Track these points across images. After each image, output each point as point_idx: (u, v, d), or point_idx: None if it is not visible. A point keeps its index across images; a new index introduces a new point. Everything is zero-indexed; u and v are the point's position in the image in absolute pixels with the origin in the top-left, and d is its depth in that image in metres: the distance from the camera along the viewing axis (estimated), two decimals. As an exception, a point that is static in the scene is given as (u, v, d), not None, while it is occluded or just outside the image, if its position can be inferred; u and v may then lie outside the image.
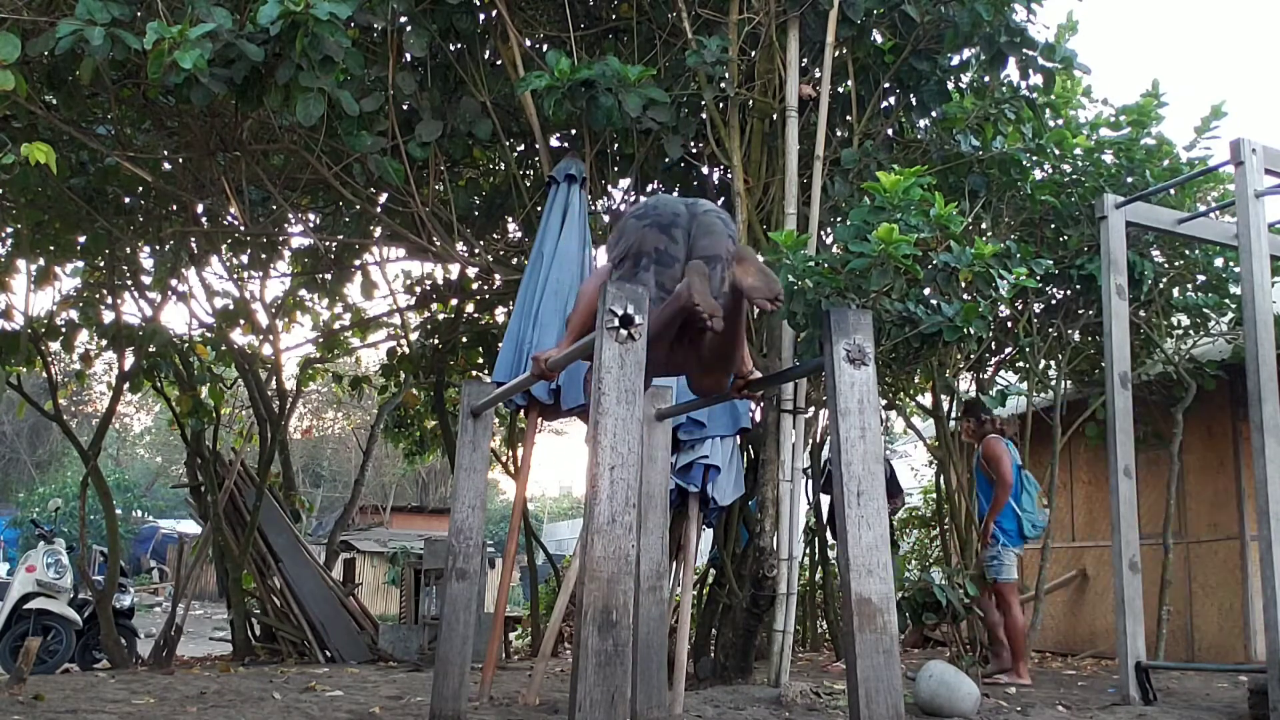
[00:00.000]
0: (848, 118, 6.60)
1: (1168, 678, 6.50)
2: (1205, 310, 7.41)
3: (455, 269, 9.11)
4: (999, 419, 7.07)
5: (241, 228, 8.16)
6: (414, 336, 9.95)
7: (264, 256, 9.23)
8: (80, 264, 8.74)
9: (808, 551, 8.84)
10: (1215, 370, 7.53)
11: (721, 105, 6.21)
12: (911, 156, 6.59)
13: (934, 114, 6.72)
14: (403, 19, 6.12)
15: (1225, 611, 8.24)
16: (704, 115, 6.33)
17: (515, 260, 7.76)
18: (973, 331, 5.27)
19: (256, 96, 5.32)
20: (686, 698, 5.24)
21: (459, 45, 6.68)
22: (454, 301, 9.73)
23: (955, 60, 6.65)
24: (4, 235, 8.45)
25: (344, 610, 8.87)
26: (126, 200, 8.17)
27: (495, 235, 8.62)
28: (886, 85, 6.54)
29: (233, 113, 6.41)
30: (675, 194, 7.43)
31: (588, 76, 5.63)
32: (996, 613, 6.65)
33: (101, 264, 8.65)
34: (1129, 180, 6.89)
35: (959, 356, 7.46)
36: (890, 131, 6.71)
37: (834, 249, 5.91)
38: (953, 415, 7.72)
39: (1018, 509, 6.68)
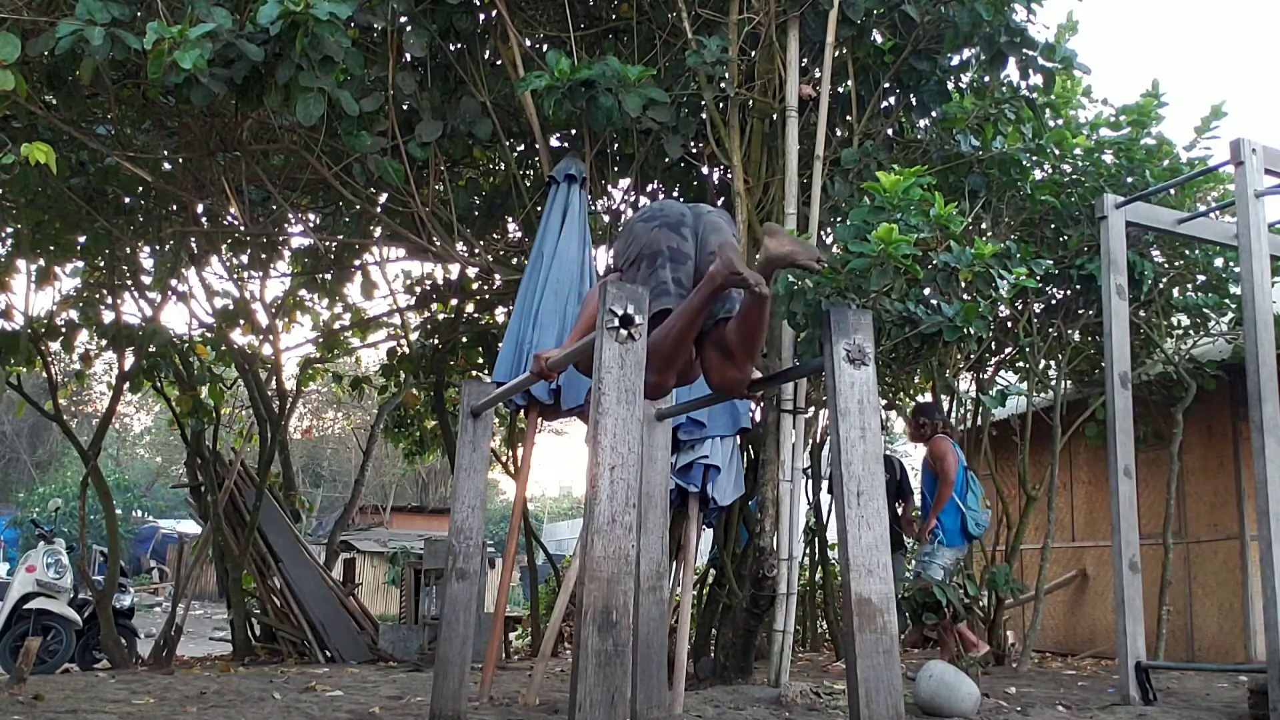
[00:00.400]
0: (848, 118, 6.60)
1: (1168, 678, 6.50)
2: (1205, 310, 7.41)
3: (455, 269, 9.11)
4: (942, 422, 7.22)
5: (241, 228, 8.16)
6: (414, 336, 9.95)
7: (264, 256, 9.23)
8: (80, 264, 8.74)
9: (808, 551, 8.85)
10: (1215, 370, 7.53)
11: (721, 105, 6.21)
12: (911, 156, 6.60)
13: (934, 114, 6.72)
14: (403, 19, 6.12)
15: (1225, 611, 8.25)
16: (704, 115, 6.32)
17: (515, 260, 7.76)
18: (973, 331, 5.27)
19: (256, 96, 5.32)
20: (686, 698, 5.24)
21: (459, 45, 6.68)
22: (454, 301, 9.73)
23: (955, 60, 6.65)
24: (4, 235, 8.45)
25: (344, 610, 8.87)
26: (126, 200, 8.17)
27: (495, 235, 8.62)
28: (886, 85, 6.54)
29: (233, 113, 6.41)
30: (675, 194, 7.44)
31: (588, 76, 5.63)
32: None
33: (101, 264, 8.65)
34: (1129, 180, 6.89)
35: (959, 356, 7.47)
36: (890, 131, 6.71)
37: (834, 249, 5.91)
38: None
39: (963, 507, 6.80)
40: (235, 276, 9.36)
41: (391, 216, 7.28)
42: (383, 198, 7.36)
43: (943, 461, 6.84)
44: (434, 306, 9.98)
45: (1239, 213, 5.25)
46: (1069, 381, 7.92)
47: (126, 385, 8.81)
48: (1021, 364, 8.02)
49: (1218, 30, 78.86)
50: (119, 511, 14.00)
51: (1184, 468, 8.06)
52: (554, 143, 7.12)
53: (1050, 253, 6.72)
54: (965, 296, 5.41)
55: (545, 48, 6.73)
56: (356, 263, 9.49)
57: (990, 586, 6.93)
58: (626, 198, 7.42)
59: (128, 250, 8.55)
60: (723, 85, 6.05)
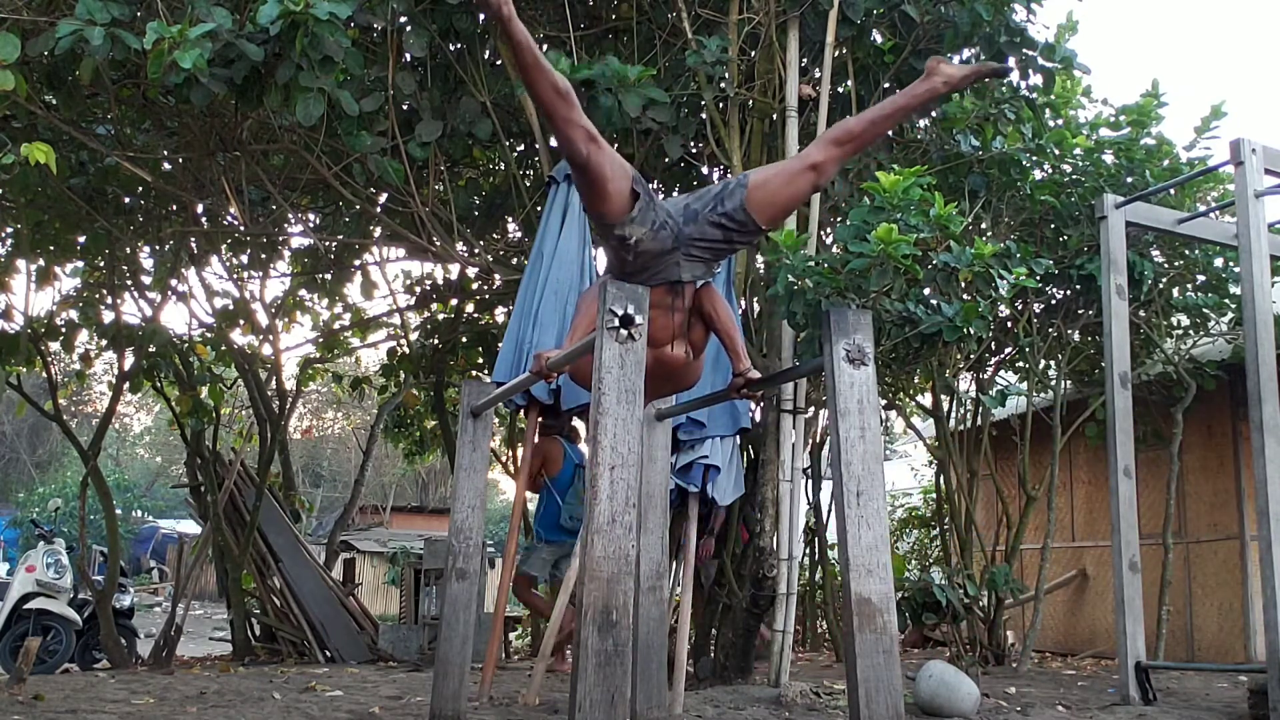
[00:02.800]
0: (847, 118, 6.59)
1: (1168, 678, 6.50)
2: (1205, 310, 7.41)
3: (455, 269, 9.11)
4: (560, 426, 7.37)
5: (241, 228, 8.16)
6: (414, 336, 9.95)
7: (264, 256, 9.23)
8: (80, 264, 8.74)
9: (808, 551, 8.84)
10: (1215, 370, 7.53)
11: (721, 105, 6.21)
12: (911, 156, 6.59)
13: (934, 114, 6.72)
14: (403, 19, 6.12)
15: (1225, 611, 8.25)
16: (704, 115, 6.32)
17: (515, 260, 7.76)
18: (973, 331, 5.27)
19: (256, 96, 5.32)
20: (686, 698, 5.24)
21: (459, 45, 6.68)
22: (454, 301, 9.73)
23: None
24: (4, 235, 8.46)
25: (344, 610, 8.87)
26: (126, 200, 8.17)
27: (495, 235, 8.62)
28: (886, 85, 6.53)
29: (233, 113, 6.41)
30: (675, 194, 7.44)
31: (588, 76, 5.63)
32: (530, 596, 7.34)
33: (101, 264, 8.65)
34: (1129, 180, 6.89)
35: (959, 356, 7.46)
36: (890, 131, 6.70)
37: (834, 249, 5.91)
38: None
39: (560, 500, 7.09)
40: (235, 276, 9.36)
41: (391, 216, 7.28)
42: (383, 198, 7.35)
43: (533, 461, 6.99)
44: (434, 306, 9.98)
45: (1239, 213, 5.25)
46: (1069, 381, 7.92)
47: (126, 385, 8.81)
48: (1021, 364, 8.02)
49: (1218, 30, 78.89)
50: (119, 511, 14.00)
51: (1184, 468, 8.06)
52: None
53: (1050, 253, 6.72)
54: (965, 296, 5.41)
55: (545, 48, 6.73)
56: (356, 263, 9.49)
57: (990, 586, 6.93)
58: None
59: (128, 250, 8.55)
60: (723, 85, 6.04)
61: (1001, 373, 8.35)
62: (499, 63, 6.83)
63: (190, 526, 20.91)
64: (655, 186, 7.49)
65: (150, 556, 24.07)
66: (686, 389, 3.81)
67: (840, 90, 6.60)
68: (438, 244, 6.99)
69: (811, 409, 6.34)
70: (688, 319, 3.46)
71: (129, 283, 8.78)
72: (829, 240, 6.69)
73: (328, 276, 9.51)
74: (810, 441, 7.03)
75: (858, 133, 3.45)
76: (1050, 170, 7.14)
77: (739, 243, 3.48)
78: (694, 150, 6.69)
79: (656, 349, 3.37)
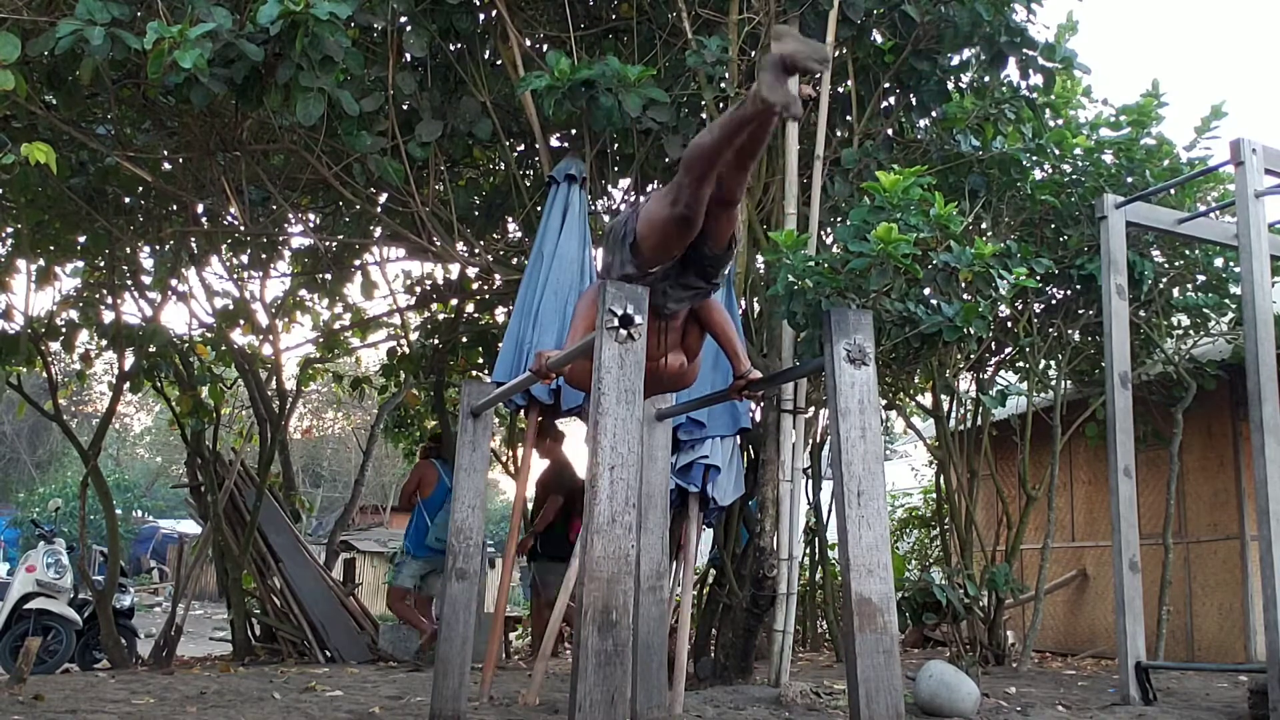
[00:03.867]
0: (848, 118, 6.60)
1: (1168, 678, 6.50)
2: (1205, 310, 7.41)
3: (455, 269, 9.11)
4: (436, 449, 8.48)
5: (241, 228, 8.17)
6: (414, 336, 9.95)
7: (264, 256, 9.23)
8: (80, 264, 8.74)
9: (808, 551, 8.84)
10: (1215, 370, 7.52)
11: (721, 105, 6.21)
12: (911, 156, 6.60)
13: (934, 114, 6.72)
14: (403, 19, 6.12)
15: (1225, 611, 8.25)
16: (704, 115, 6.33)
17: (515, 260, 7.77)
18: (973, 331, 5.27)
19: (256, 96, 5.32)
20: (686, 698, 5.24)
21: (459, 45, 6.69)
22: (454, 301, 9.74)
23: (955, 60, 6.65)
24: (4, 235, 8.46)
25: (344, 610, 8.86)
26: (126, 200, 8.17)
27: (495, 235, 8.62)
28: (886, 85, 6.54)
29: (233, 113, 6.41)
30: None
31: (588, 76, 5.63)
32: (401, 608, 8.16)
33: (101, 264, 8.65)
34: (1129, 180, 6.89)
35: (959, 356, 7.46)
36: (890, 131, 6.71)
37: (834, 249, 5.91)
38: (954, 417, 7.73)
39: (429, 522, 7.87)
40: (235, 276, 9.36)
41: (391, 216, 7.28)
42: (383, 198, 7.35)
43: (409, 482, 8.38)
44: (434, 306, 9.98)
45: (1239, 213, 5.25)
46: (1069, 381, 7.92)
47: (126, 385, 8.81)
48: (1021, 364, 8.02)
49: (1218, 30, 78.90)
50: (119, 511, 13.99)
51: (1184, 468, 8.06)
52: (554, 143, 7.11)
53: (1050, 253, 6.71)
54: (965, 296, 5.41)
55: (545, 48, 6.73)
56: (356, 263, 9.49)
57: (990, 586, 6.93)
58: (626, 198, 7.42)
59: (128, 250, 8.55)
60: (723, 85, 6.05)
61: (1001, 373, 8.35)
62: (499, 63, 6.84)
63: (190, 526, 20.91)
64: (655, 186, 7.49)
65: (150, 556, 24.07)
66: (684, 389, 3.82)
67: (840, 90, 6.61)
68: (438, 244, 6.99)
69: (811, 409, 6.34)
70: (682, 333, 3.49)
71: (129, 283, 8.77)
72: (829, 240, 6.69)
73: (328, 276, 9.50)
74: (810, 441, 7.02)
75: (699, 153, 3.09)
76: (1050, 170, 7.14)
77: (711, 275, 3.40)
78: (694, 150, 6.67)
79: (648, 363, 3.38)
